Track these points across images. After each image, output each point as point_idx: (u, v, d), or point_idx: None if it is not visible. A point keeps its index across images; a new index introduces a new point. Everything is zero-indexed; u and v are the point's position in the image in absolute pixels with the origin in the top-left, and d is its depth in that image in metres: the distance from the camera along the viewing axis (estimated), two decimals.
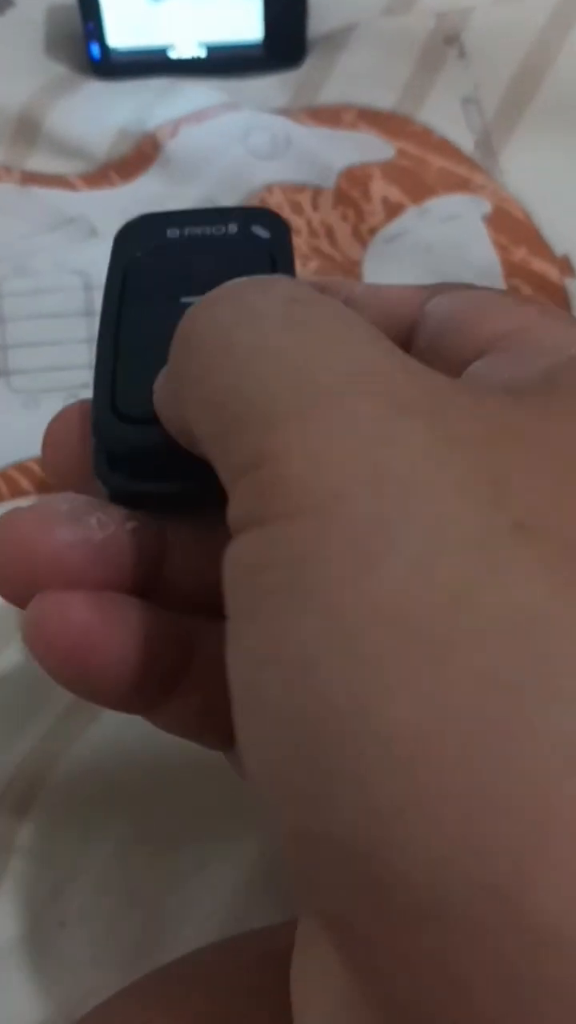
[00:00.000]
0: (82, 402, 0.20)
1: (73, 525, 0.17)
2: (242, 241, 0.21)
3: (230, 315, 0.15)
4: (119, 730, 0.27)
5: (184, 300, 0.19)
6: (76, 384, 0.31)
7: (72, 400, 0.31)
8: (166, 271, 0.20)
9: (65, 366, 0.31)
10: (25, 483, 0.30)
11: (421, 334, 0.19)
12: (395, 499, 0.12)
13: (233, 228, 0.21)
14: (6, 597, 0.17)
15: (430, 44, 0.36)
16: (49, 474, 0.21)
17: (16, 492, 0.29)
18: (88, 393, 0.31)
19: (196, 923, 0.25)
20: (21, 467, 0.30)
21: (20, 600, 0.17)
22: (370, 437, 0.12)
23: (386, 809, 0.11)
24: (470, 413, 0.13)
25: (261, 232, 0.21)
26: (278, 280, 0.16)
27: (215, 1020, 0.19)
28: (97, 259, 0.33)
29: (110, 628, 0.17)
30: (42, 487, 0.29)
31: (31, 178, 0.34)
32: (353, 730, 0.11)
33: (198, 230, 0.21)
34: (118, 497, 0.19)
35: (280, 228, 0.21)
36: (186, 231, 0.21)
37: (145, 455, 0.18)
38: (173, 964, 0.22)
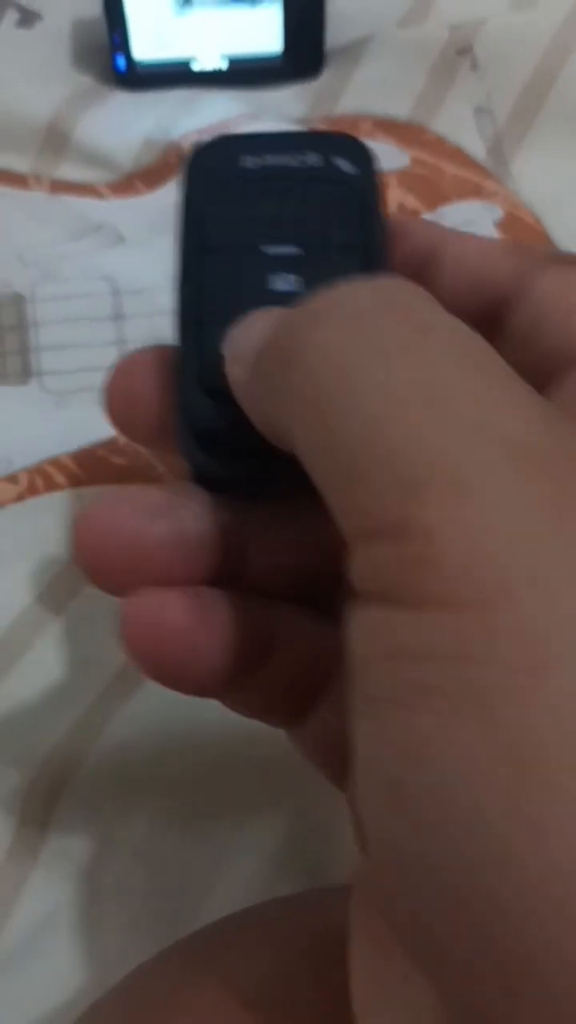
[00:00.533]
0: (155, 349, 0.19)
1: (168, 518, 0.17)
2: (326, 176, 0.19)
3: (345, 338, 0.14)
4: (152, 711, 0.28)
5: (271, 251, 0.18)
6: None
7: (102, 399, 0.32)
8: (246, 211, 0.18)
9: (94, 367, 0.33)
10: (59, 478, 0.31)
11: (522, 311, 0.17)
12: (563, 602, 0.11)
13: (314, 159, 0.19)
14: (101, 587, 0.17)
15: (443, 55, 0.37)
16: (118, 423, 0.20)
17: (50, 486, 0.31)
18: None
19: (226, 893, 0.27)
20: (55, 462, 0.31)
21: (115, 590, 0.17)
22: (537, 528, 0.12)
23: (540, 941, 0.10)
24: None
25: (346, 166, 0.19)
26: (394, 289, 0.15)
27: (254, 989, 0.19)
28: (124, 265, 0.34)
29: (202, 626, 0.17)
30: (75, 482, 0.31)
31: (60, 186, 0.35)
32: (518, 856, 0.11)
33: (276, 159, 0.19)
34: (201, 477, 0.18)
35: (365, 159, 0.19)
36: (265, 159, 0.19)
37: (237, 434, 0.17)
38: (211, 928, 0.23)
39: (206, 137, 0.20)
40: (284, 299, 0.16)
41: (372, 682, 0.12)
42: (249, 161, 0.19)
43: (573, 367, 0.16)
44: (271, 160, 0.19)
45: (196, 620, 0.17)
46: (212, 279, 0.18)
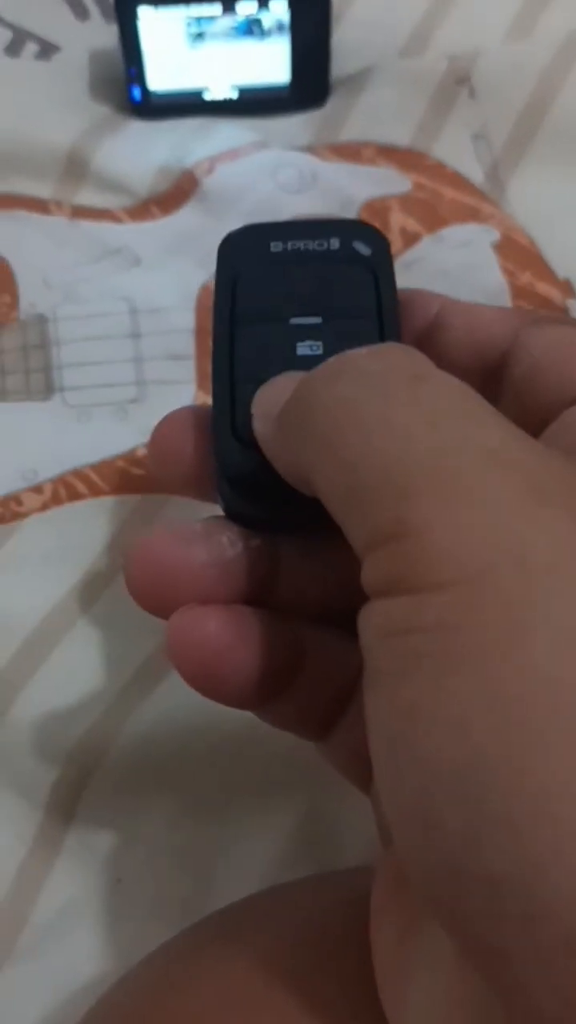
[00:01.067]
0: (193, 410, 0.21)
1: (207, 544, 0.19)
2: (345, 258, 0.21)
3: (355, 390, 0.16)
4: (171, 708, 0.29)
5: (294, 321, 0.20)
6: (125, 399, 0.34)
7: (121, 413, 0.34)
8: (273, 288, 0.21)
9: (114, 383, 0.34)
10: (82, 488, 0.33)
11: (516, 365, 0.19)
12: (542, 577, 0.13)
13: (335, 243, 0.21)
14: (148, 609, 0.20)
15: (443, 84, 0.39)
16: (158, 471, 0.22)
17: (73, 496, 0.33)
18: (135, 408, 0.34)
19: (244, 877, 0.28)
20: (78, 473, 0.33)
21: (158, 611, 0.19)
22: (513, 517, 0.13)
23: (541, 856, 0.12)
24: None
25: (362, 248, 0.21)
26: (396, 353, 0.17)
27: (278, 956, 0.21)
28: (140, 286, 0.36)
29: (239, 641, 0.19)
30: (97, 492, 0.33)
31: (80, 212, 0.37)
32: (509, 785, 0.12)
33: (301, 244, 0.21)
34: (236, 516, 0.20)
35: (381, 244, 0.21)
36: (289, 244, 0.21)
37: (264, 478, 0.19)
38: (230, 907, 0.25)
39: (237, 227, 0.22)
40: (308, 363, 0.18)
41: (374, 659, 0.14)
42: (276, 246, 0.21)
43: (565, 410, 0.18)
44: (295, 244, 0.21)
45: (233, 633, 0.19)
46: (243, 345, 0.20)
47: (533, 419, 0.19)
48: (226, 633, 0.19)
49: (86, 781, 0.29)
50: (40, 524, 0.32)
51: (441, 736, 0.13)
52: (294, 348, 0.20)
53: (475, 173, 0.38)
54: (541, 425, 0.19)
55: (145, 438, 0.34)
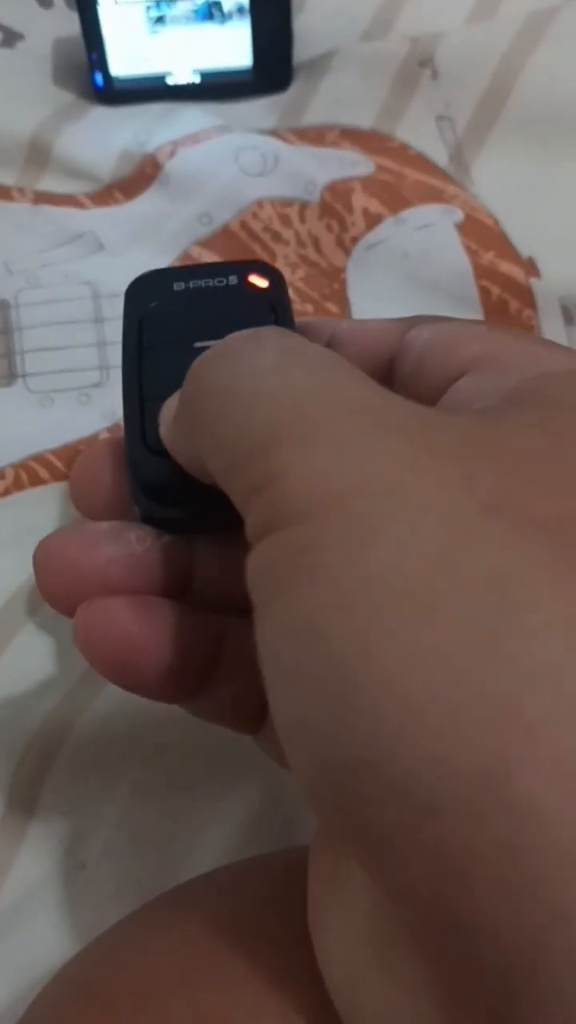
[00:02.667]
0: (107, 441, 0.23)
1: (114, 541, 0.20)
2: (243, 291, 0.23)
3: (231, 368, 0.17)
4: (129, 693, 0.29)
5: (197, 345, 0.21)
6: (87, 384, 0.34)
7: (84, 398, 0.34)
8: (177, 320, 0.22)
9: (76, 368, 0.34)
10: (43, 473, 0.33)
11: (404, 361, 0.21)
12: (382, 495, 0.14)
13: (233, 279, 0.23)
14: (58, 609, 0.20)
15: (405, 67, 0.39)
16: (79, 506, 0.23)
17: (35, 481, 0.32)
18: (97, 392, 0.34)
19: (205, 858, 0.28)
20: (39, 458, 0.33)
21: (70, 610, 0.20)
22: (358, 450, 0.15)
23: (391, 730, 0.13)
24: (444, 429, 0.16)
25: (259, 282, 0.23)
26: (270, 333, 0.18)
27: (230, 922, 0.21)
28: (104, 271, 0.36)
29: (147, 627, 0.19)
30: (59, 477, 0.32)
31: (42, 198, 0.37)
32: (360, 672, 0.13)
33: (202, 283, 0.23)
34: (151, 520, 0.21)
35: (276, 277, 0.23)
36: (191, 284, 0.23)
37: (175, 483, 0.20)
38: (189, 882, 0.25)
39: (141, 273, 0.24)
40: None
41: (254, 597, 0.15)
42: (178, 286, 0.23)
43: (451, 384, 0.19)
44: (196, 283, 0.23)
45: (141, 621, 0.19)
46: (150, 368, 0.22)
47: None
48: (133, 621, 0.19)
49: (48, 767, 0.29)
50: (1, 509, 0.32)
51: (301, 642, 0.14)
52: None
53: (439, 154, 0.38)
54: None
55: (108, 423, 0.34)
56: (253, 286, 0.23)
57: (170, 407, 0.20)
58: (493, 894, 0.12)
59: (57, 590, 0.20)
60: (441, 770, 0.12)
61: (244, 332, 0.18)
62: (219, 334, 0.21)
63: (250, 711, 0.21)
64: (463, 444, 0.15)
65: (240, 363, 0.17)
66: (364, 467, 0.15)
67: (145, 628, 0.19)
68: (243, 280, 0.23)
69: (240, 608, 0.20)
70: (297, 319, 0.23)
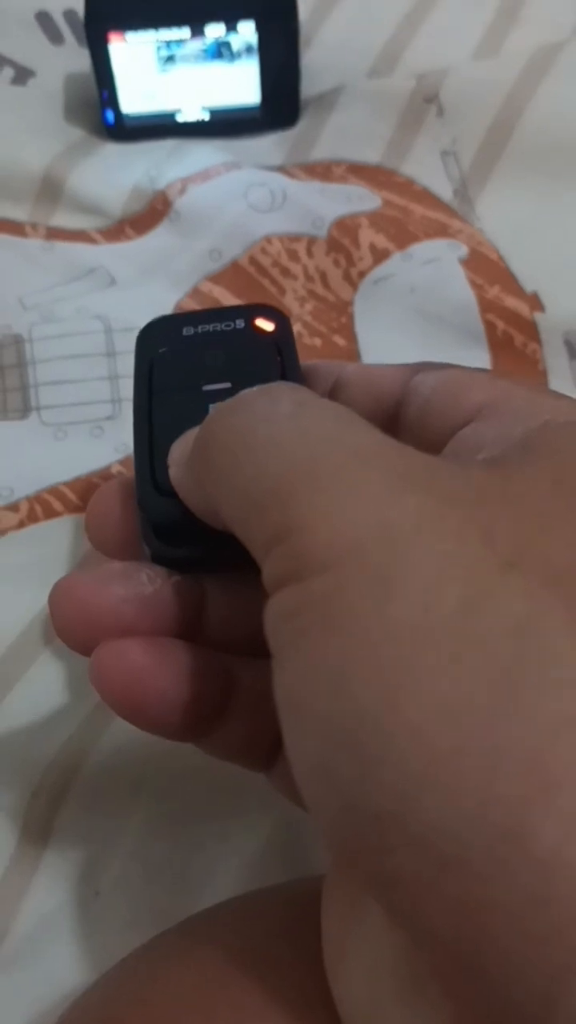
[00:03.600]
0: (119, 480, 0.23)
1: (126, 582, 0.20)
2: (250, 335, 0.23)
3: (246, 421, 0.17)
4: None
5: (206, 388, 0.22)
6: (100, 417, 0.35)
7: (97, 431, 0.35)
8: (186, 363, 0.23)
9: (89, 401, 0.35)
10: (57, 505, 0.33)
11: (410, 406, 0.21)
12: (403, 546, 0.14)
13: (240, 323, 0.23)
14: (73, 647, 0.21)
15: (411, 103, 0.39)
16: (95, 543, 0.24)
17: (49, 513, 0.33)
18: (110, 425, 0.35)
19: (219, 888, 0.28)
20: (53, 491, 0.33)
21: (85, 649, 0.20)
22: (376, 502, 0.15)
23: (417, 781, 0.13)
24: (459, 480, 0.16)
25: (266, 325, 0.23)
26: (282, 388, 0.18)
27: (244, 955, 0.21)
28: (116, 305, 0.36)
29: (161, 668, 0.20)
30: (73, 509, 0.33)
31: (55, 233, 0.38)
32: (385, 723, 0.13)
33: (210, 327, 0.23)
34: (161, 561, 0.22)
35: (282, 320, 0.23)
36: (199, 328, 0.23)
37: (184, 523, 0.20)
38: (203, 912, 0.25)
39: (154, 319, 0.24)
40: None
41: (273, 644, 0.16)
42: (187, 330, 0.23)
43: (456, 431, 0.20)
44: (205, 328, 0.23)
45: (154, 661, 0.20)
46: (160, 410, 0.22)
47: (430, 451, 0.20)
48: (147, 662, 0.20)
49: (63, 796, 0.30)
50: (16, 542, 0.33)
51: (325, 692, 0.14)
52: (206, 409, 0.22)
53: (444, 189, 0.38)
54: (437, 454, 0.20)
55: (120, 455, 0.34)
56: (260, 329, 0.23)
57: (178, 448, 0.20)
58: (517, 942, 0.12)
59: (72, 631, 0.21)
60: (465, 822, 0.13)
61: (256, 388, 0.18)
62: (227, 377, 0.22)
63: (262, 749, 0.22)
64: (478, 495, 0.16)
65: (255, 414, 0.17)
66: (383, 517, 0.15)
67: (158, 669, 0.20)
68: (250, 324, 0.24)
69: (252, 647, 0.21)
70: (304, 360, 0.24)
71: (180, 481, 0.20)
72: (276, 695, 0.16)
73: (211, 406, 0.22)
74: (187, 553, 0.21)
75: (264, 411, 0.17)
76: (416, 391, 0.21)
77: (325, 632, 0.14)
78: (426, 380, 0.21)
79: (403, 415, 0.22)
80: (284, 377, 0.23)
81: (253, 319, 0.24)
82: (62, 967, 0.29)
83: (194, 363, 0.23)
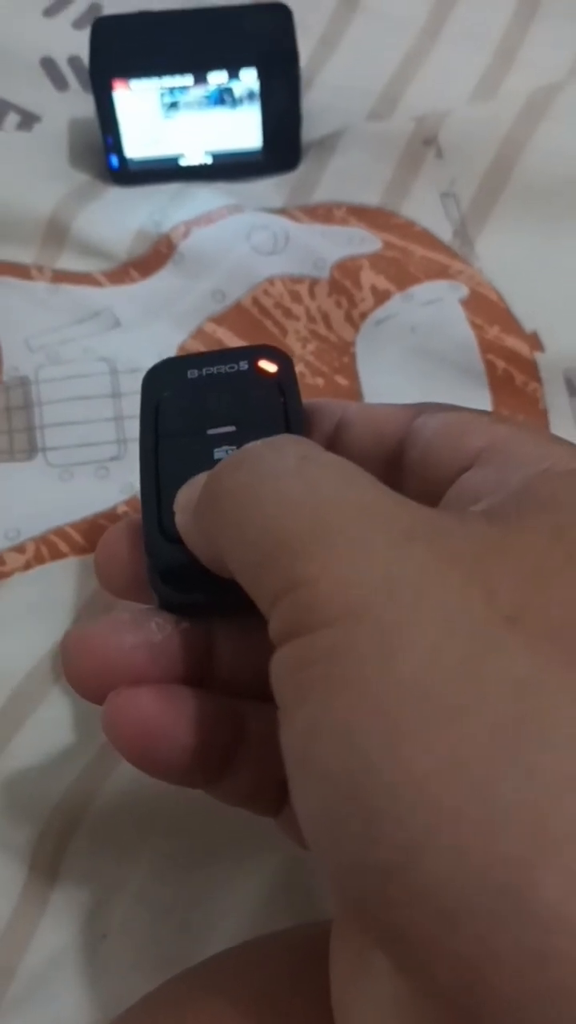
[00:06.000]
0: (128, 522, 0.24)
1: (136, 630, 0.21)
2: (253, 376, 0.24)
3: (253, 474, 0.18)
4: None
5: (211, 432, 0.22)
6: (106, 458, 0.35)
7: (102, 472, 0.35)
8: (192, 407, 0.23)
9: (95, 442, 0.35)
10: (63, 546, 0.33)
11: (412, 449, 0.22)
12: (408, 603, 0.15)
13: (244, 365, 0.24)
14: (85, 696, 0.21)
15: (410, 145, 0.40)
16: (104, 585, 0.24)
17: (55, 555, 0.33)
18: (116, 466, 0.35)
19: (225, 931, 0.28)
20: (59, 532, 0.34)
21: (97, 698, 0.21)
22: (380, 558, 0.15)
23: (421, 837, 0.13)
24: (460, 535, 0.16)
25: (269, 367, 0.24)
26: (287, 441, 0.19)
27: (253, 1005, 0.21)
28: (121, 347, 0.37)
29: (171, 716, 0.20)
30: (79, 550, 0.33)
31: (61, 276, 0.38)
32: (390, 779, 0.14)
33: (214, 369, 0.24)
34: (169, 607, 0.22)
35: (285, 362, 0.24)
36: (204, 371, 0.24)
37: (192, 569, 0.20)
38: (209, 959, 0.25)
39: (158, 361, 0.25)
40: None
41: (280, 696, 0.16)
42: (192, 373, 0.24)
43: (457, 475, 0.20)
44: (209, 370, 0.24)
45: (165, 709, 0.20)
46: (167, 455, 0.22)
47: (431, 494, 0.21)
48: (158, 710, 0.20)
49: (70, 837, 0.30)
50: (22, 583, 0.33)
51: (332, 748, 0.14)
52: (211, 454, 0.22)
53: (444, 231, 0.39)
54: (438, 498, 0.20)
55: (126, 495, 0.35)
56: (263, 371, 0.24)
57: (187, 497, 0.21)
58: (519, 997, 0.12)
59: (84, 680, 0.21)
60: (468, 879, 0.13)
61: (262, 442, 0.19)
62: (232, 420, 0.22)
63: (271, 794, 0.22)
64: (480, 551, 0.16)
65: (262, 469, 0.18)
66: (387, 575, 0.15)
67: (169, 717, 0.20)
68: (253, 365, 0.24)
69: (260, 691, 0.21)
70: (307, 399, 0.24)
71: (186, 528, 0.20)
72: (283, 749, 0.16)
73: (216, 450, 0.22)
74: (195, 599, 0.21)
75: (270, 466, 0.18)
76: (418, 434, 0.22)
77: (331, 687, 0.15)
78: (427, 423, 0.22)
79: (406, 457, 0.22)
80: (287, 418, 0.23)
81: (256, 361, 0.24)
82: (68, 1009, 0.29)
83: (199, 407, 0.23)
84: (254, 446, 0.19)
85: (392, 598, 0.15)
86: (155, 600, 0.22)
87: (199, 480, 0.21)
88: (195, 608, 0.22)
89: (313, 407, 0.24)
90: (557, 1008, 0.12)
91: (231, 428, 0.23)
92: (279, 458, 0.18)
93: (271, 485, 0.17)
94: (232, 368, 0.24)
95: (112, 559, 0.24)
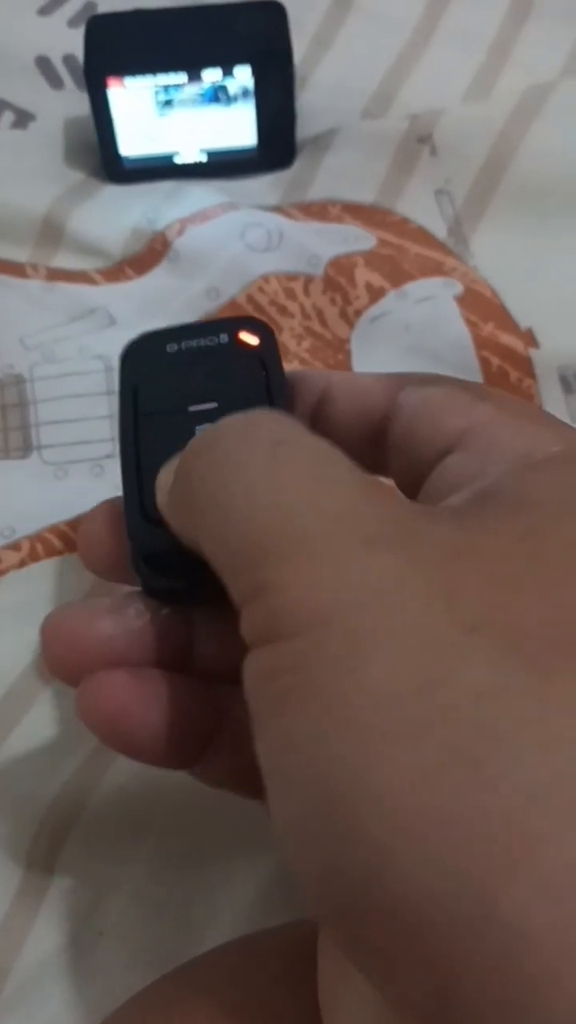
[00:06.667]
0: (109, 502, 0.23)
1: (114, 616, 0.21)
2: (234, 350, 0.23)
3: (222, 461, 0.17)
4: None
5: (192, 409, 0.22)
6: (100, 455, 0.35)
7: (97, 470, 0.35)
8: (171, 384, 0.22)
9: (90, 439, 0.35)
10: (58, 544, 0.33)
11: (396, 424, 0.21)
12: (374, 611, 0.15)
13: (224, 338, 0.23)
14: (62, 679, 0.21)
15: (405, 143, 0.40)
16: (87, 566, 0.24)
17: (50, 552, 0.33)
18: (111, 463, 0.35)
19: (221, 929, 0.28)
20: (54, 530, 0.34)
21: (74, 681, 0.21)
22: (348, 568, 0.15)
23: (386, 850, 0.13)
24: (428, 540, 0.16)
25: (250, 339, 0.23)
26: (263, 421, 0.18)
27: (244, 1004, 0.21)
28: (116, 345, 0.36)
29: (144, 698, 0.20)
30: (73, 548, 0.33)
31: (56, 274, 0.38)
32: (355, 789, 0.14)
33: (194, 343, 0.23)
34: (152, 590, 0.21)
35: (266, 333, 0.23)
36: (183, 344, 0.23)
37: (175, 553, 0.20)
38: (200, 957, 0.25)
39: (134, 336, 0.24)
40: None
41: (253, 704, 0.16)
42: (171, 347, 0.23)
43: (440, 461, 0.20)
44: (188, 344, 0.23)
45: (138, 692, 0.20)
46: (147, 435, 0.22)
47: (415, 473, 0.20)
48: (130, 692, 0.20)
49: (66, 835, 0.30)
50: (18, 580, 0.33)
51: (306, 757, 0.14)
52: (193, 432, 0.21)
53: (438, 228, 0.39)
54: (422, 479, 0.20)
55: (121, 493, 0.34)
56: (244, 343, 0.23)
57: (165, 475, 0.20)
58: (488, 1007, 0.12)
59: (61, 663, 0.21)
60: (432, 891, 0.13)
61: (237, 417, 0.18)
62: (213, 396, 0.21)
63: (254, 778, 0.22)
64: (445, 556, 0.16)
65: (231, 457, 0.17)
66: (354, 583, 0.15)
67: (142, 699, 0.20)
68: (234, 338, 0.23)
69: (239, 678, 0.21)
70: (292, 371, 0.23)
71: (164, 508, 0.20)
72: (260, 759, 0.16)
73: (198, 428, 0.22)
74: (178, 584, 0.21)
75: (240, 454, 0.17)
76: (400, 410, 0.21)
77: (303, 698, 0.15)
78: (409, 399, 0.21)
79: (389, 433, 0.22)
80: (270, 392, 0.22)
81: (237, 333, 0.23)
82: (63, 1008, 0.28)
83: (179, 383, 0.22)
84: (226, 424, 0.18)
85: (359, 607, 0.15)
86: (139, 583, 0.22)
87: (175, 459, 0.20)
88: (179, 593, 0.21)
89: (296, 378, 0.23)
90: (528, 1013, 0.12)
91: (213, 405, 0.22)
92: (250, 445, 0.17)
93: (240, 477, 0.17)
94: (212, 341, 0.23)
95: (93, 541, 0.23)
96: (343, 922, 0.14)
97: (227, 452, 0.18)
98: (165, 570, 0.21)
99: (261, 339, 0.23)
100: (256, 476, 0.17)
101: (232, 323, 0.24)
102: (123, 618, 0.21)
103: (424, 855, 0.13)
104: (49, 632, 0.21)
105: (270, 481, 0.17)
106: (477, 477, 0.18)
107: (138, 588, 0.22)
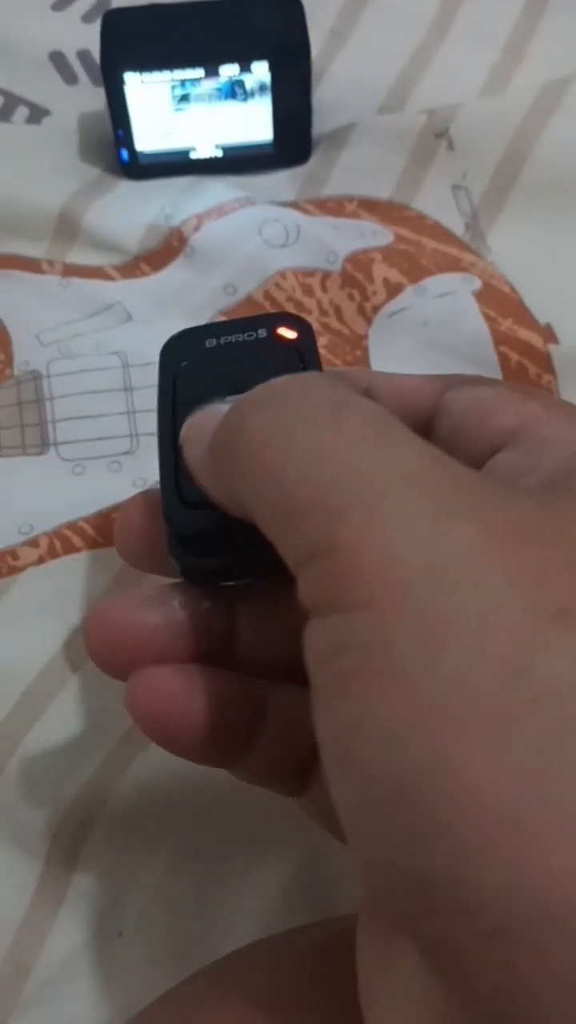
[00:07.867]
0: (143, 494, 0.23)
1: (158, 608, 0.21)
2: (272, 344, 0.23)
3: (283, 416, 0.17)
4: (168, 757, 0.30)
5: (230, 398, 0.21)
6: (118, 452, 0.35)
7: (115, 466, 0.35)
8: (209, 375, 0.22)
9: (107, 435, 0.35)
10: (77, 540, 0.33)
11: (442, 423, 0.21)
12: (453, 591, 0.14)
13: (263, 332, 0.23)
14: (107, 672, 0.21)
15: (422, 138, 0.40)
16: (123, 555, 0.24)
17: (69, 549, 0.33)
18: (128, 459, 0.35)
19: (241, 927, 0.28)
20: (72, 526, 0.34)
21: (120, 674, 0.21)
22: (426, 535, 0.14)
23: (469, 850, 0.13)
24: (508, 514, 0.15)
25: (288, 333, 0.23)
26: (320, 381, 0.18)
27: (275, 1002, 0.21)
28: (132, 340, 0.37)
29: (192, 695, 0.20)
30: (92, 544, 0.33)
31: (72, 270, 0.38)
32: (439, 787, 0.13)
33: (232, 338, 0.23)
34: (189, 573, 0.21)
35: (305, 328, 0.23)
36: (222, 339, 0.23)
37: (211, 533, 0.20)
38: (227, 957, 0.25)
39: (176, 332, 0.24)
40: None
41: (314, 680, 0.15)
42: (210, 342, 0.23)
43: (490, 459, 0.20)
44: (227, 339, 0.23)
45: (186, 689, 0.20)
46: (184, 420, 0.21)
47: None
48: (179, 689, 0.20)
49: (86, 832, 0.30)
50: (36, 577, 0.33)
51: (376, 750, 0.14)
52: None
53: (456, 224, 0.39)
54: None
55: (138, 489, 0.34)
56: (282, 338, 0.23)
57: (199, 428, 0.20)
58: (558, 1015, 0.12)
59: (106, 656, 0.21)
60: (520, 893, 0.12)
61: (289, 377, 0.18)
62: (250, 387, 0.22)
63: (293, 775, 0.22)
64: (530, 534, 0.15)
65: (294, 410, 0.17)
66: (432, 554, 0.14)
67: (190, 696, 0.20)
68: (272, 333, 0.23)
69: (282, 673, 0.21)
70: (327, 368, 0.23)
71: (199, 465, 0.20)
72: (319, 739, 0.15)
73: None
74: (215, 564, 0.21)
75: (304, 408, 0.17)
76: (447, 409, 0.21)
77: (370, 683, 0.14)
78: (456, 399, 0.21)
79: (435, 432, 0.21)
80: None
81: (275, 328, 0.23)
82: (85, 1007, 0.28)
83: (217, 374, 0.22)
84: (281, 382, 0.18)
85: (435, 583, 0.14)
86: (174, 570, 0.22)
87: (211, 412, 0.20)
88: (216, 573, 0.21)
89: (336, 376, 0.23)
90: None
91: None
92: (314, 401, 0.17)
93: (305, 436, 0.16)
94: (251, 336, 0.23)
95: (128, 528, 0.24)
96: (413, 914, 0.14)
97: (289, 407, 0.17)
98: (201, 552, 0.21)
99: (299, 334, 0.23)
100: (322, 431, 0.16)
101: (271, 318, 0.24)
102: (167, 610, 0.21)
103: (509, 859, 0.13)
104: (93, 624, 0.21)
105: (339, 437, 0.16)
106: (530, 472, 0.18)
107: (173, 580, 0.22)
